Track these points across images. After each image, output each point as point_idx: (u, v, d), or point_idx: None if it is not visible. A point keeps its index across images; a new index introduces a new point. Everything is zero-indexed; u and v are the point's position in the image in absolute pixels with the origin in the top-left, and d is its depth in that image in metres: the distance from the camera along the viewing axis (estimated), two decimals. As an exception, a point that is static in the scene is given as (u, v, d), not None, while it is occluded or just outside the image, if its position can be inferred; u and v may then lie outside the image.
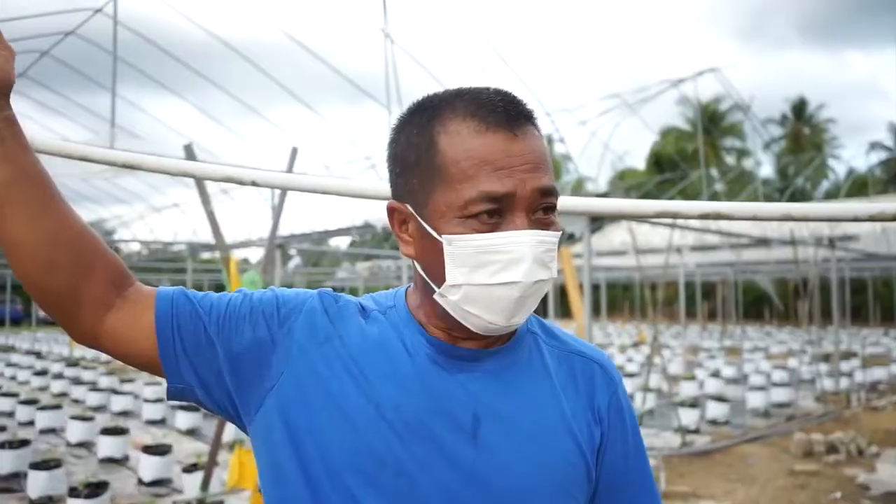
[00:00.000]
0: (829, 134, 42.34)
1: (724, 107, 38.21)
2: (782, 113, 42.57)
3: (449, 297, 0.93)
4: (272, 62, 11.53)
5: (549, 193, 0.93)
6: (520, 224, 0.90)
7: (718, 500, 6.18)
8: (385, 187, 1.85)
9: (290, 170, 4.90)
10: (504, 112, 0.92)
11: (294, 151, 4.89)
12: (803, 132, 41.42)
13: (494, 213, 0.90)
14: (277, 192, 4.99)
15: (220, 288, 5.22)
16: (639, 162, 41.60)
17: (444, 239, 0.91)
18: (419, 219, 0.95)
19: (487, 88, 0.97)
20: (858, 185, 28.22)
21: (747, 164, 36.12)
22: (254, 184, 1.77)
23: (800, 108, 42.12)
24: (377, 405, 0.93)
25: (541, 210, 0.93)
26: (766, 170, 40.10)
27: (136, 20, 9.54)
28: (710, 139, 38.83)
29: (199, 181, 4.57)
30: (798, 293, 12.97)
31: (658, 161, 37.32)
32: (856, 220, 1.59)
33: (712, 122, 40.38)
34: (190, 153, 4.36)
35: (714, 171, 35.62)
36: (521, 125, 0.93)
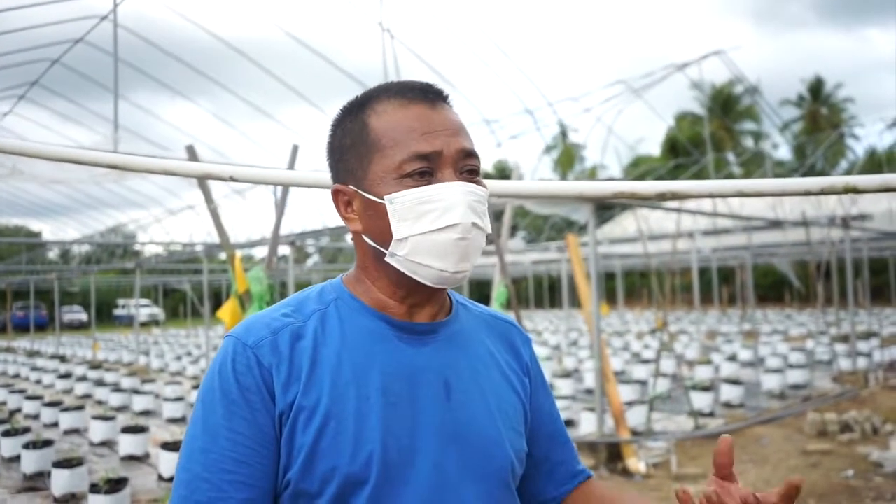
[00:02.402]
0: (847, 113, 41.81)
1: (740, 90, 37.85)
2: (799, 93, 42.12)
3: (399, 254, 1.03)
4: (278, 63, 11.64)
5: (472, 156, 1.06)
6: (449, 178, 1.02)
7: (730, 481, 6.20)
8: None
9: (291, 167, 4.99)
10: (422, 90, 1.07)
11: (295, 149, 4.98)
12: (821, 112, 40.92)
13: (425, 172, 1.02)
14: (280, 190, 5.08)
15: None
16: (656, 149, 41.37)
17: (385, 199, 1.02)
18: (361, 192, 1.05)
19: (406, 79, 1.12)
20: (876, 164, 27.81)
21: (765, 146, 35.80)
22: (231, 179, 1.85)
23: (817, 87, 41.60)
24: (367, 398, 1.01)
25: (466, 171, 1.05)
26: (785, 151, 39.69)
27: (142, 25, 9.69)
28: (726, 123, 38.49)
29: (202, 181, 4.67)
30: (818, 275, 12.88)
31: (674, 146, 37.06)
32: (807, 193, 1.64)
33: (727, 106, 40.01)
34: (192, 154, 4.46)
35: (731, 155, 35.33)
36: (438, 101, 1.08)
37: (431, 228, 1.00)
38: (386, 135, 1.03)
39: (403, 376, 1.04)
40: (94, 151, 2.08)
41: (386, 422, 1.01)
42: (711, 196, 1.63)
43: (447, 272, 1.02)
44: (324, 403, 1.00)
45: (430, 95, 1.07)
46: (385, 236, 1.04)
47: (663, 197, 1.67)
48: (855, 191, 1.61)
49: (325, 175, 2.11)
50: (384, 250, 1.05)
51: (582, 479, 1.27)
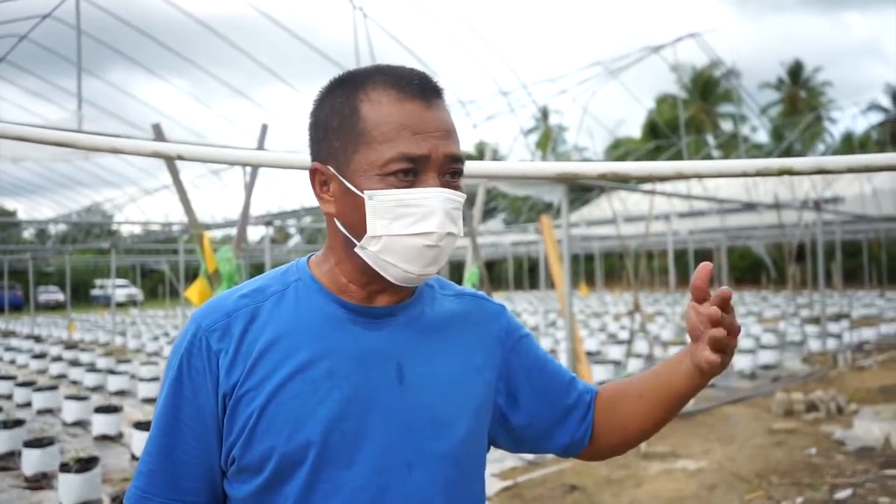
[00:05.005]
0: (826, 97, 42.13)
1: (720, 73, 37.98)
2: (778, 77, 42.38)
3: (369, 249, 1.04)
4: (251, 42, 11.50)
5: (458, 160, 1.06)
6: (432, 183, 1.02)
7: (696, 458, 6.32)
8: (306, 158, 1.93)
9: (260, 146, 4.97)
10: (419, 85, 1.05)
11: (264, 128, 4.96)
12: (799, 96, 41.21)
13: (410, 172, 1.01)
14: (249, 170, 5.06)
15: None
16: (638, 131, 41.49)
17: (365, 194, 1.02)
18: (341, 178, 1.04)
19: (403, 66, 1.09)
20: (853, 148, 28.12)
21: (744, 129, 36.05)
22: (179, 157, 1.85)
23: (796, 71, 41.88)
24: (312, 380, 1.04)
25: (449, 174, 1.05)
26: (764, 135, 39.99)
27: (112, 1, 9.52)
28: (705, 105, 38.66)
29: (170, 162, 4.64)
30: (790, 257, 13.07)
31: (654, 129, 37.21)
32: (744, 174, 1.67)
33: (707, 89, 40.16)
34: (158, 133, 4.42)
35: (710, 138, 35.54)
36: (434, 97, 1.06)
37: (406, 232, 1.01)
38: (377, 128, 1.02)
39: (353, 360, 1.06)
40: (42, 129, 2.07)
41: (330, 405, 1.03)
42: (651, 177, 1.66)
43: (413, 274, 1.04)
44: (267, 385, 1.03)
45: (426, 92, 1.05)
46: (358, 228, 1.04)
47: (605, 177, 1.70)
48: (790, 172, 1.64)
49: (282, 155, 2.12)
50: (355, 240, 1.05)
51: (593, 405, 1.28)
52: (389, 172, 1.00)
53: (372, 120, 1.02)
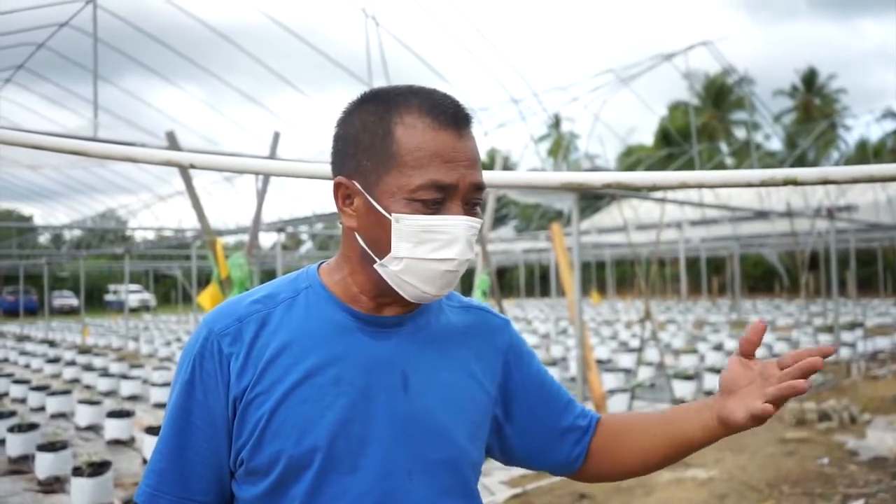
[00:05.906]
0: (840, 104, 41.88)
1: (733, 80, 37.86)
2: (792, 84, 42.20)
3: (389, 268, 1.06)
4: (263, 49, 11.61)
5: (481, 189, 1.10)
6: (456, 210, 1.06)
7: (707, 468, 6.29)
8: (317, 168, 1.95)
9: (272, 154, 5.02)
10: (454, 114, 1.08)
11: (276, 136, 5.00)
12: (814, 103, 40.99)
13: (438, 202, 1.05)
14: (261, 177, 5.11)
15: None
16: (651, 138, 41.40)
17: (392, 217, 1.04)
18: (368, 196, 1.07)
19: (436, 91, 1.12)
20: (867, 156, 27.93)
21: (758, 137, 35.87)
22: (192, 166, 1.88)
23: (810, 78, 41.69)
24: (320, 386, 1.07)
25: (471, 203, 1.09)
26: (777, 143, 39.80)
27: (127, 10, 9.67)
28: (718, 113, 38.52)
29: (183, 170, 4.69)
30: (802, 266, 13.03)
31: (666, 136, 37.14)
32: (748, 185, 1.68)
33: (720, 96, 40.05)
34: (172, 140, 4.48)
35: (724, 145, 35.41)
36: (465, 126, 1.09)
37: (429, 257, 1.04)
38: (410, 153, 1.04)
39: (361, 367, 1.09)
40: (57, 138, 2.11)
41: (337, 411, 1.06)
42: (656, 187, 1.67)
43: (429, 295, 1.07)
44: (277, 390, 1.06)
45: (459, 120, 1.08)
46: (380, 246, 1.06)
47: (609, 187, 1.71)
48: (795, 183, 1.65)
49: (291, 165, 2.14)
50: (375, 257, 1.08)
51: (593, 430, 1.30)
52: (418, 199, 1.03)
53: (405, 145, 1.04)
